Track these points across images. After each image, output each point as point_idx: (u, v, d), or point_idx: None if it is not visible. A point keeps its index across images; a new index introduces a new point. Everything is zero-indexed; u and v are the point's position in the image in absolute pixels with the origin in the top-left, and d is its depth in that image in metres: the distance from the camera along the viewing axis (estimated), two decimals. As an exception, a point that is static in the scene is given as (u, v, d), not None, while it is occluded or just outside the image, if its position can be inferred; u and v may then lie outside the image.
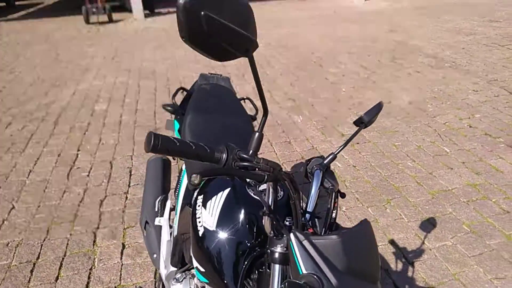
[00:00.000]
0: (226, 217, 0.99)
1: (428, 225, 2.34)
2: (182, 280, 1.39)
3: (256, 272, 0.94)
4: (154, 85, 4.93)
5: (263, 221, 0.84)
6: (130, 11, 9.90)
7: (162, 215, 1.77)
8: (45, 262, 2.20)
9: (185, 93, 2.03)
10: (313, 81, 4.81)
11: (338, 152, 1.00)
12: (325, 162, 0.98)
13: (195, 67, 5.59)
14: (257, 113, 1.88)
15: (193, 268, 1.37)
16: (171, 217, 1.68)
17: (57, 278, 2.08)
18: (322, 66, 5.35)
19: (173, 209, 1.70)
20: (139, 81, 5.10)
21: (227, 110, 1.70)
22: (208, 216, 1.01)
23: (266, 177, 0.77)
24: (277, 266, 0.82)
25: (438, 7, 9.43)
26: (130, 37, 7.79)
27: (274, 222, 0.81)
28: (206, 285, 1.02)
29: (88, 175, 3.02)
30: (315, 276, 0.70)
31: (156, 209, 1.80)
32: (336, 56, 5.79)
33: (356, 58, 5.62)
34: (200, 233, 1.00)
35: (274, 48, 6.39)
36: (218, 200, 1.03)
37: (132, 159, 3.23)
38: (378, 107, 1.06)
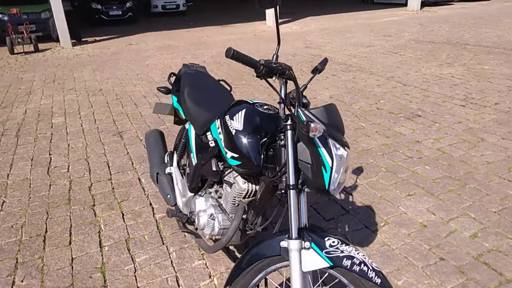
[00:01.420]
0: (247, 121, 1.59)
1: (358, 171, 3.13)
2: (203, 195, 1.95)
3: (271, 149, 1.55)
4: (105, 99, 5.29)
5: (279, 107, 1.46)
6: (56, 40, 9.95)
7: (172, 165, 2.30)
8: (54, 233, 2.54)
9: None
10: (250, 87, 5.57)
11: (304, 89, 1.65)
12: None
13: (140, 83, 6.04)
14: (231, 90, 2.50)
15: (209, 187, 1.94)
16: (179, 165, 2.23)
17: (70, 242, 2.45)
18: (253, 76, 6.16)
19: (180, 158, 2.25)
20: (88, 97, 5.41)
21: (212, 86, 2.30)
22: (236, 122, 1.60)
23: (287, 71, 1.39)
24: (289, 132, 1.43)
25: (341, 27, 10.98)
26: (64, 62, 7.94)
27: (286, 107, 1.44)
28: (236, 167, 1.59)
29: (68, 171, 3.35)
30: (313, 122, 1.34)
31: (166, 162, 2.33)
32: (264, 68, 6.66)
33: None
34: (233, 133, 1.59)
35: (208, 64, 7.09)
36: (241, 114, 1.62)
37: (105, 155, 3.62)
38: (326, 61, 1.75)
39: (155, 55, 8.42)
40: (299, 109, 1.40)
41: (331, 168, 1.33)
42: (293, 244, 1.35)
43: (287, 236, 1.40)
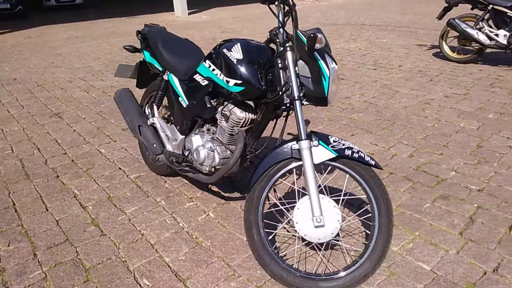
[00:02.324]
0: (245, 51, 1.79)
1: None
2: (198, 133, 2.11)
3: (270, 74, 1.78)
4: (25, 87, 4.94)
5: (279, 32, 1.70)
6: None
7: (154, 115, 2.39)
8: (25, 204, 2.44)
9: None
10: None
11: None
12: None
13: (59, 70, 5.70)
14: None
15: (199, 127, 2.10)
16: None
17: (47, 209, 2.39)
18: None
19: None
20: (3, 87, 4.98)
21: (181, 40, 2.44)
22: (235, 53, 1.80)
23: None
24: (289, 53, 1.67)
25: (250, 15, 11.47)
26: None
27: (283, 32, 1.69)
28: (239, 94, 1.79)
29: (12, 152, 3.16)
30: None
31: (147, 114, 2.41)
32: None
33: (206, 50, 6.71)
34: (235, 62, 1.78)
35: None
36: (238, 46, 1.82)
37: (50, 134, 3.46)
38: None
39: (65, 45, 7.91)
40: (298, 31, 1.66)
41: (329, 77, 1.63)
42: (304, 144, 1.62)
43: (295, 141, 1.67)
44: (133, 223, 2.21)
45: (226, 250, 1.97)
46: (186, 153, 2.15)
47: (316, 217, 1.61)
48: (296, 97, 1.65)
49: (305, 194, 1.69)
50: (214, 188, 2.53)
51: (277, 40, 1.74)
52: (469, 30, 4.90)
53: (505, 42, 4.77)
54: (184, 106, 2.14)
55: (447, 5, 5.36)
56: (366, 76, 4.86)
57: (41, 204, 2.43)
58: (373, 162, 1.63)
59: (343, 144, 1.65)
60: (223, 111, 1.99)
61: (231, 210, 2.29)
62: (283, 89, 1.71)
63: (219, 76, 1.87)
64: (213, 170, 2.08)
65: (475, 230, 2.04)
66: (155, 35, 2.41)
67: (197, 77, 2.06)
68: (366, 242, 1.68)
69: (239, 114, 1.91)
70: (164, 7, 14.54)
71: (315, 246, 1.95)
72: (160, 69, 2.35)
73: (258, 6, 14.33)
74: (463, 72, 4.89)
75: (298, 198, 1.73)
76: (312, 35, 1.54)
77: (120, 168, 2.84)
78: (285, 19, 1.76)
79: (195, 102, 2.08)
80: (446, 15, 5.49)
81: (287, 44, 1.68)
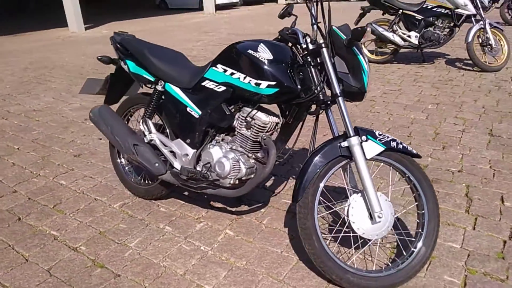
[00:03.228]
0: (273, 51, 1.71)
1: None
2: (215, 144, 1.94)
3: (300, 73, 1.73)
4: None
5: (312, 29, 1.66)
6: None
7: (151, 131, 2.13)
8: None
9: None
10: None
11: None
12: None
13: None
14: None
15: (212, 138, 1.96)
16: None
17: (26, 260, 1.97)
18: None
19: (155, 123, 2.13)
20: None
21: (161, 46, 2.24)
22: (263, 53, 1.68)
23: None
24: (324, 50, 1.64)
25: (157, 29, 11.10)
26: None
27: (316, 29, 1.66)
28: (273, 97, 1.70)
29: None
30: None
31: (143, 129, 2.14)
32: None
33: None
34: (266, 62, 1.66)
35: (36, 70, 6.13)
36: (263, 46, 1.71)
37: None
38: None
39: None
40: (333, 27, 1.66)
41: (368, 71, 1.65)
42: (354, 140, 1.62)
43: (341, 139, 1.65)
44: (146, 256, 1.93)
45: (267, 265, 1.85)
46: (203, 168, 1.97)
47: (377, 213, 1.61)
48: (339, 93, 1.64)
49: (355, 192, 1.69)
50: (218, 205, 2.36)
51: (305, 38, 1.71)
52: (386, 33, 5.44)
53: (416, 42, 5.40)
54: (197, 116, 1.96)
55: (362, 11, 5.89)
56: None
57: (16, 254, 1.99)
58: (415, 152, 1.69)
59: (388, 137, 1.68)
60: (242, 118, 1.87)
61: (247, 224, 2.16)
62: (318, 87, 1.68)
63: (243, 80, 1.76)
64: (237, 182, 1.94)
65: (477, 206, 2.24)
66: (136, 43, 2.17)
67: (208, 84, 1.91)
68: (418, 231, 1.72)
69: (264, 118, 1.82)
70: (56, 23, 13.25)
71: (359, 243, 1.94)
72: (152, 79, 2.12)
73: (160, 19, 13.96)
74: (387, 71, 5.40)
75: (347, 197, 1.71)
76: (359, 28, 1.55)
77: (96, 199, 2.47)
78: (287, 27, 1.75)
79: (210, 111, 1.92)
80: (362, 20, 6.02)
81: (321, 41, 1.66)
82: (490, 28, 4.99)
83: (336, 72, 1.65)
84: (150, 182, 2.43)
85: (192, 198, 2.44)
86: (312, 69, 1.71)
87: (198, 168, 2.01)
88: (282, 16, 1.89)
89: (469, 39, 4.99)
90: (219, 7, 17.21)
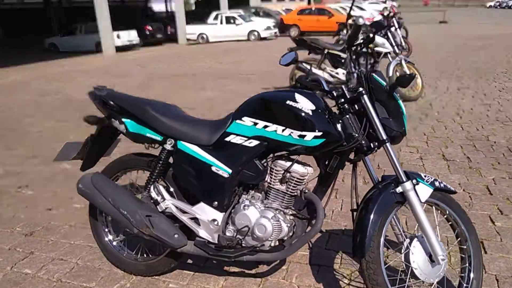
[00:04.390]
0: (312, 100, 1.61)
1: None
2: (249, 204, 1.75)
3: (340, 121, 1.66)
4: None
5: (352, 77, 1.63)
6: None
7: (164, 198, 1.84)
8: None
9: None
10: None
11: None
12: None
13: None
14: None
15: (238, 197, 1.79)
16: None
17: None
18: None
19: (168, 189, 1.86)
20: None
21: (158, 101, 2.02)
22: (305, 103, 1.59)
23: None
24: (365, 96, 1.62)
25: (55, 74, 10.17)
26: None
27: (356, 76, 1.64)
28: (319, 148, 1.60)
29: None
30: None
31: (156, 197, 1.83)
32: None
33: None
34: (310, 113, 1.57)
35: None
36: (301, 96, 1.62)
37: None
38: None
39: None
40: (373, 74, 1.67)
41: (406, 114, 1.69)
42: (408, 185, 1.61)
43: (392, 185, 1.64)
44: None
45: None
46: (238, 233, 1.76)
47: (440, 256, 1.59)
48: (386, 139, 1.63)
49: (411, 237, 1.66)
50: (234, 269, 2.13)
51: (341, 85, 1.70)
52: (316, 71, 5.78)
53: (344, 78, 5.83)
54: (226, 176, 1.75)
55: (289, 52, 6.18)
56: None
57: None
58: (454, 189, 1.75)
59: (431, 177, 1.71)
60: (277, 172, 1.74)
61: (277, 286, 1.98)
62: (361, 134, 1.66)
63: (282, 132, 1.65)
64: (277, 243, 1.77)
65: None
66: (132, 100, 1.92)
67: (234, 139, 1.75)
68: (464, 266, 1.75)
69: (302, 170, 1.72)
70: None
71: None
72: (159, 138, 1.87)
73: (52, 64, 12.83)
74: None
75: (403, 243, 1.67)
76: (407, 75, 1.57)
77: (84, 286, 2.04)
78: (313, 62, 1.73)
79: (241, 168, 1.75)
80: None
81: (361, 89, 1.65)
82: (405, 63, 5.65)
83: (379, 118, 1.64)
84: (151, 255, 2.10)
85: (201, 266, 2.17)
86: (351, 116, 1.68)
87: (229, 234, 1.79)
88: (288, 64, 1.90)
89: (390, 73, 5.55)
90: (118, 49, 16.59)
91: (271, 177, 1.77)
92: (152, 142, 1.90)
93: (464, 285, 1.72)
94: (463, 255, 1.78)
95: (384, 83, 1.66)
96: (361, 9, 23.64)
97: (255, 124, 1.71)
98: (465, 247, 1.76)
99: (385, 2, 36.39)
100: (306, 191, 1.74)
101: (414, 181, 1.64)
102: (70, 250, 2.37)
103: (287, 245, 1.75)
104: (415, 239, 1.65)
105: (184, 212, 1.85)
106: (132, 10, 32.71)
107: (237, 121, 1.75)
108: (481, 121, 4.63)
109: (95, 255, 2.30)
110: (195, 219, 1.84)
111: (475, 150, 3.70)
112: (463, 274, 1.74)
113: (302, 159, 1.78)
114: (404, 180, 1.61)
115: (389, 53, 5.79)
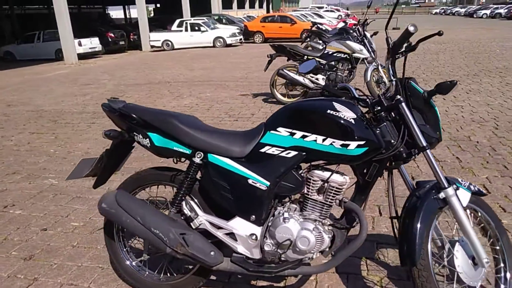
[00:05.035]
0: (351, 108, 1.60)
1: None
2: (288, 217, 1.70)
3: (378, 129, 1.65)
4: None
5: (392, 85, 1.63)
6: None
7: (197, 215, 1.74)
8: None
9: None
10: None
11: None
12: None
13: None
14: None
15: (290, 202, 1.75)
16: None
17: None
18: None
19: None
20: None
21: (178, 112, 1.94)
22: (347, 112, 1.57)
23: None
24: (404, 104, 1.61)
25: (19, 83, 9.58)
26: None
27: (395, 84, 1.63)
28: (362, 156, 1.59)
29: None
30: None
31: (189, 214, 1.73)
32: None
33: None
34: (353, 122, 1.55)
35: None
36: (340, 105, 1.60)
37: None
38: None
39: None
40: (410, 81, 1.67)
41: (440, 120, 1.71)
42: (450, 191, 1.63)
43: (433, 191, 1.65)
44: None
45: None
46: (278, 247, 1.70)
47: (485, 259, 1.62)
48: (426, 146, 1.64)
49: (453, 241, 1.68)
50: (262, 283, 2.06)
51: (379, 93, 1.70)
52: (297, 77, 5.82)
53: (324, 83, 5.91)
54: (264, 188, 1.69)
55: (270, 58, 6.21)
56: (237, 128, 4.99)
57: None
58: (485, 192, 1.79)
59: (466, 182, 1.74)
60: (314, 182, 1.71)
61: (311, 297, 1.94)
62: (399, 141, 1.66)
63: (323, 142, 1.62)
64: (318, 255, 1.73)
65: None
66: (154, 112, 1.82)
67: (270, 150, 1.70)
68: (499, 266, 1.79)
69: (341, 180, 1.70)
70: None
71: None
72: (188, 151, 1.78)
73: (11, 73, 12.11)
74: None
75: (445, 247, 1.68)
76: (449, 82, 1.59)
77: (103, 312, 1.89)
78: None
79: (279, 180, 1.69)
80: (269, 67, 6.33)
81: (398, 96, 1.65)
82: (382, 68, 5.82)
83: (418, 125, 1.65)
84: (175, 275, 1.99)
85: (225, 282, 2.09)
86: (388, 124, 1.68)
87: (268, 248, 1.73)
88: (309, 72, 1.88)
89: (368, 78, 5.72)
90: (80, 57, 15.96)
91: (308, 188, 1.73)
92: (179, 156, 1.81)
93: (502, 285, 1.76)
94: (496, 256, 1.82)
95: (422, 90, 1.67)
96: (320, 16, 24.30)
97: (292, 134, 1.66)
98: (498, 247, 1.80)
99: (339, 11, 37.79)
100: (346, 200, 1.72)
101: (454, 186, 1.66)
102: (79, 273, 2.20)
103: (327, 257, 1.71)
104: (457, 243, 1.67)
105: (219, 228, 1.77)
106: (89, 17, 31.62)
107: (272, 131, 1.70)
108: (459, 122, 4.85)
109: (108, 277, 2.16)
110: (231, 235, 1.76)
111: (461, 151, 3.86)
112: (499, 275, 1.78)
113: (338, 168, 1.76)
114: (446, 186, 1.63)
115: (366, 58, 5.95)
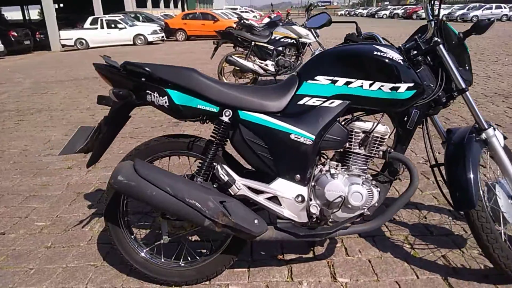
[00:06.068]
0: (394, 50, 1.51)
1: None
2: (335, 175, 1.55)
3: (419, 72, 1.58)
4: None
5: (430, 27, 1.55)
6: None
7: (234, 180, 1.50)
8: None
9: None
10: None
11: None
12: None
13: None
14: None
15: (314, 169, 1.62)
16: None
17: None
18: None
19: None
20: None
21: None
22: (393, 54, 1.46)
23: None
24: (441, 46, 1.54)
25: None
26: None
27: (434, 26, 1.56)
28: (410, 100, 1.50)
29: None
30: None
31: (226, 179, 1.48)
32: None
33: None
34: (401, 63, 1.45)
35: None
36: (384, 47, 1.49)
37: None
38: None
39: None
40: (446, 22, 1.63)
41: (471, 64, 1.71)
42: (491, 132, 1.63)
43: (473, 134, 1.63)
44: None
45: None
46: (328, 207, 1.54)
47: None
48: (465, 88, 1.61)
49: (493, 183, 1.68)
50: (290, 256, 1.88)
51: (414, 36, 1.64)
52: (247, 63, 5.68)
53: (273, 69, 5.86)
54: (309, 143, 1.52)
55: (216, 45, 5.98)
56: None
57: None
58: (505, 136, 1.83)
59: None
60: (357, 133, 1.59)
61: (349, 262, 1.81)
62: (439, 85, 1.61)
63: (370, 87, 1.50)
64: (368, 212, 1.61)
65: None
66: (169, 66, 1.56)
67: (309, 101, 1.54)
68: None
69: (383, 129, 1.61)
70: None
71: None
72: (215, 109, 1.53)
73: None
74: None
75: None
76: (487, 20, 1.57)
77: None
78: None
79: (323, 133, 1.54)
80: (216, 53, 6.09)
81: (436, 38, 1.60)
82: (328, 53, 5.94)
83: (457, 67, 1.61)
84: (198, 258, 1.72)
85: (249, 260, 1.87)
86: (426, 68, 1.63)
87: (314, 210, 1.56)
88: (321, 27, 1.89)
89: (316, 62, 5.80)
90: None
91: (350, 141, 1.61)
92: (203, 115, 1.56)
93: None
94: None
95: (457, 31, 1.64)
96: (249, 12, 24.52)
97: (334, 82, 1.52)
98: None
99: (253, 12, 38.66)
100: (391, 150, 1.62)
101: (492, 127, 1.65)
102: (67, 275, 1.81)
103: (372, 213, 1.60)
104: (497, 184, 1.67)
105: (260, 192, 1.55)
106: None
107: (309, 81, 1.55)
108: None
109: (108, 274, 1.80)
110: (273, 199, 1.56)
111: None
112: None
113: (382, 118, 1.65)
114: (486, 127, 1.62)
115: (310, 44, 6.03)
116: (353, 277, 1.72)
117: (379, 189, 1.61)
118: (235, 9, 38.82)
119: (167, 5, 41.27)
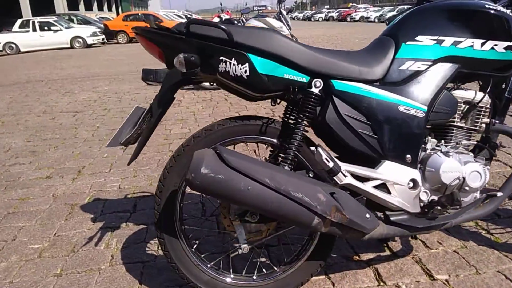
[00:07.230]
0: None
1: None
2: (449, 152, 1.31)
3: None
4: None
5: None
6: None
7: (339, 166, 1.18)
8: None
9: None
10: None
11: None
12: None
13: None
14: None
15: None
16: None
17: None
18: None
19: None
20: None
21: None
22: (502, 8, 1.28)
23: None
24: None
25: None
26: None
27: None
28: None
29: None
30: None
31: (331, 166, 1.16)
32: None
33: None
34: (506, 16, 1.27)
35: None
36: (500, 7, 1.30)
37: None
38: None
39: None
40: None
41: None
42: None
43: None
44: None
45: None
46: (445, 191, 1.29)
47: None
48: None
49: None
50: (352, 255, 1.61)
51: None
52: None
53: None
54: (421, 115, 1.26)
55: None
56: (175, 114, 4.25)
57: None
58: None
59: None
60: (460, 104, 1.37)
61: (433, 255, 1.58)
62: None
63: (481, 47, 1.29)
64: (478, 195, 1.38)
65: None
66: (243, 26, 1.23)
67: (413, 65, 1.29)
68: None
69: (486, 99, 1.40)
70: None
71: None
72: (305, 79, 1.23)
73: None
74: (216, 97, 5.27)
75: None
76: None
77: None
78: None
79: (434, 102, 1.29)
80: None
81: None
82: (302, 46, 5.78)
83: None
84: (275, 268, 1.39)
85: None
86: None
87: (424, 196, 1.30)
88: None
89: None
90: None
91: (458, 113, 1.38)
92: (289, 87, 1.24)
93: None
94: None
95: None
96: (181, 17, 23.91)
97: (440, 42, 1.29)
98: None
99: (191, 15, 38.16)
100: (496, 123, 1.42)
101: None
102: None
103: (484, 194, 1.39)
104: None
105: (365, 180, 1.25)
106: None
107: (409, 42, 1.30)
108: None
109: (155, 301, 1.40)
110: (381, 186, 1.27)
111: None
112: None
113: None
114: None
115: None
116: (451, 272, 1.50)
117: (489, 167, 1.40)
118: (172, 11, 37.98)
119: (100, 8, 39.20)
